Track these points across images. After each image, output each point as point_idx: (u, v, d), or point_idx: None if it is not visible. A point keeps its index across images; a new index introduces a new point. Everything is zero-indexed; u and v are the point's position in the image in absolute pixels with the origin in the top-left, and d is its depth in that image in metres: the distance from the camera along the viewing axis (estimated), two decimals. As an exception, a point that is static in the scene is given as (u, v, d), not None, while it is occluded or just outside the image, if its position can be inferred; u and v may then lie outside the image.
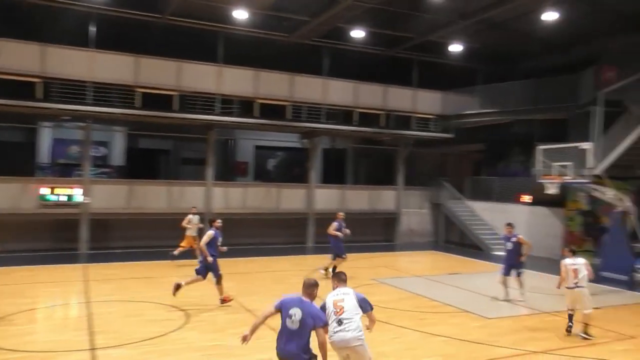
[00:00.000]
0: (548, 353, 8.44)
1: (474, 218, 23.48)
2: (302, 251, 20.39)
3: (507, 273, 12.49)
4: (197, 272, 11.09)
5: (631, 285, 14.75)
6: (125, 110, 18.26)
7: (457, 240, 24.64)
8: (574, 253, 10.06)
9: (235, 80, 20.07)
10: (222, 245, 11.59)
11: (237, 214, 20.85)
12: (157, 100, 18.67)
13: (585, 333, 9.33)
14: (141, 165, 23.38)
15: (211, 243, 11.09)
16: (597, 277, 13.98)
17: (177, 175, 24.78)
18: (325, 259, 15.06)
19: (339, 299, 6.02)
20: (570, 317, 9.61)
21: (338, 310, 5.94)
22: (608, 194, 15.71)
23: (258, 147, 26.62)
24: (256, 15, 18.60)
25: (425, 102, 23.65)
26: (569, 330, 9.52)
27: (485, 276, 15.89)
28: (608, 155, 17.68)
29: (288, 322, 5.81)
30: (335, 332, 5.88)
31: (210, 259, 10.96)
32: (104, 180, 21.52)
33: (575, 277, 9.55)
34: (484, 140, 25.45)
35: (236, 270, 15.58)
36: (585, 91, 19.68)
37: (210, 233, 11.14)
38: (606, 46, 19.15)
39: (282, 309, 5.93)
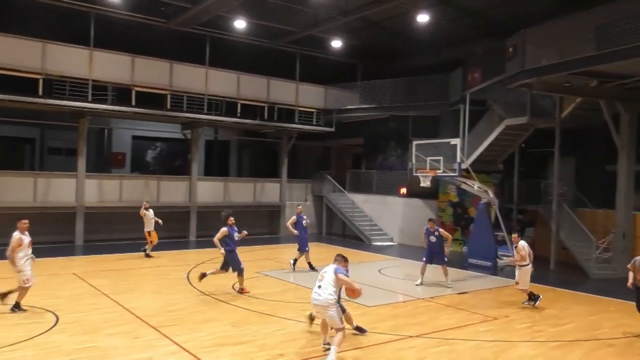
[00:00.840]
0: (422, 337, 8.94)
1: (355, 210, 24.29)
2: (184, 246, 19.75)
3: (429, 262, 13.44)
4: (221, 267, 11.86)
5: (494, 271, 16.10)
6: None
7: (340, 231, 25.36)
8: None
9: (109, 66, 18.84)
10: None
11: (112, 208, 19.71)
12: (19, 83, 17.00)
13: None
14: (1, 155, 21.22)
15: (225, 239, 11.68)
16: (464, 264, 15.16)
17: (43, 166, 22.86)
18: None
19: (324, 271, 7.93)
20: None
21: (320, 278, 7.88)
22: (475, 186, 16.96)
23: (136, 138, 25.29)
24: (133, -3, 17.64)
25: (308, 95, 23.94)
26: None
27: (365, 266, 16.47)
28: (474, 150, 19.18)
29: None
30: (313, 292, 7.82)
31: (223, 251, 11.64)
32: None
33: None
34: (363, 135, 26.39)
35: (112, 266, 14.73)
36: (454, 90, 21.13)
37: (223, 230, 11.69)
38: (472, 49, 20.67)
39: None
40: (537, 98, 17.74)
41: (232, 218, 12.01)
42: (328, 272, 7.82)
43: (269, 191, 24.40)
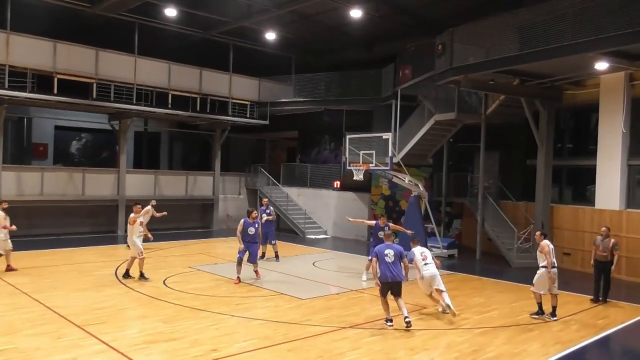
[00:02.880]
0: (355, 327, 9.11)
1: (290, 203, 24.32)
2: (111, 241, 19.02)
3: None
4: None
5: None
6: None
7: (274, 225, 25.26)
8: (545, 236, 10.64)
9: (28, 52, 17.72)
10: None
11: (33, 202, 18.70)
12: None
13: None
14: None
15: (243, 231, 12.51)
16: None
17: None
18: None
19: (424, 251, 10.27)
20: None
21: (424, 257, 10.10)
22: (406, 180, 17.39)
23: (59, 128, 24.05)
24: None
25: (242, 87, 23.65)
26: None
27: (299, 259, 16.57)
28: (405, 144, 19.67)
29: (386, 258, 9.21)
30: (428, 269, 10.05)
31: (241, 246, 12.42)
32: None
33: (553, 256, 10.26)
34: (297, 128, 26.43)
35: (33, 263, 13.98)
36: (386, 86, 21.56)
37: (241, 222, 12.62)
38: (404, 46, 21.15)
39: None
40: (464, 95, 18.43)
41: (255, 213, 12.88)
42: (427, 252, 10.14)
43: (201, 184, 23.97)
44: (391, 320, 9.21)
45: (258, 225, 12.91)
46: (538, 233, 10.80)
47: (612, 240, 11.66)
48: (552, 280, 10.16)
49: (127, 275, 12.41)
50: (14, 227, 12.87)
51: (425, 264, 10.04)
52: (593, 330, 9.58)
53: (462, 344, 8.41)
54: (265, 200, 16.51)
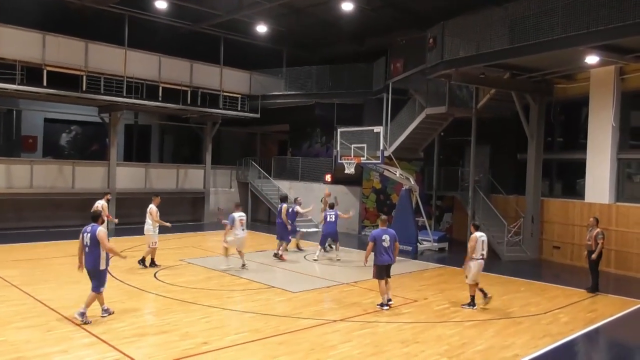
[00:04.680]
0: (346, 320, 9.14)
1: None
2: (101, 234, 18.91)
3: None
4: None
5: (415, 255, 16.68)
6: None
7: (265, 218, 25.30)
8: (477, 228, 10.78)
9: (17, 44, 17.53)
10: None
11: (23, 195, 18.56)
12: None
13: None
14: None
15: (288, 215, 14.99)
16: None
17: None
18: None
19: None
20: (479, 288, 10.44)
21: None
22: (397, 173, 17.43)
23: (48, 120, 23.83)
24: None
25: (233, 81, 23.55)
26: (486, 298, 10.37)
27: (291, 252, 16.54)
28: (396, 138, 19.70)
29: (384, 243, 9.80)
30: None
31: (289, 227, 14.91)
32: None
33: (483, 249, 10.39)
34: (289, 121, 26.37)
35: (23, 256, 13.90)
36: (377, 79, 21.56)
37: (284, 206, 15.01)
38: (395, 39, 21.15)
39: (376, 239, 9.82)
40: (455, 88, 18.47)
41: (300, 198, 16.28)
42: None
43: (192, 177, 23.88)
44: (386, 305, 9.81)
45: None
46: (472, 225, 11.10)
47: (597, 230, 11.91)
48: (478, 271, 10.36)
49: (153, 264, 13.07)
50: None
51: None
52: (582, 323, 9.67)
53: (452, 337, 8.46)
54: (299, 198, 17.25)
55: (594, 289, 11.97)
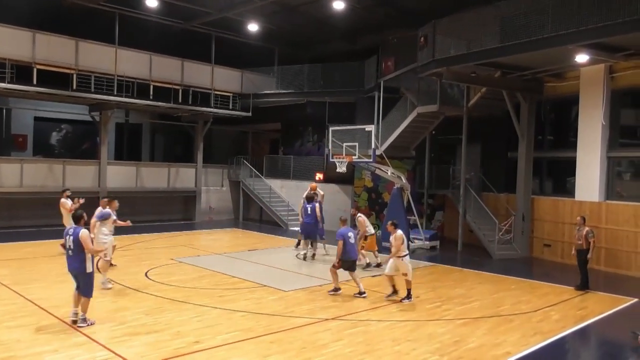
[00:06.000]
0: (337, 319, 9.15)
1: (272, 195, 24.26)
2: (92, 233, 18.81)
3: None
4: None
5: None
6: None
7: (257, 217, 25.26)
8: (397, 226, 10.89)
9: (7, 42, 17.38)
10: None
11: (13, 193, 18.41)
12: None
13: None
14: None
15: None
16: (378, 247, 15.60)
17: None
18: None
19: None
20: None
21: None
22: (388, 172, 17.45)
23: (38, 119, 23.66)
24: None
25: (224, 79, 23.48)
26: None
27: (282, 251, 16.56)
28: (388, 137, 19.72)
29: (350, 240, 10.73)
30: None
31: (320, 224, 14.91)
32: None
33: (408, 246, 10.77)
34: (280, 120, 26.33)
35: (13, 255, 13.81)
36: (369, 78, 21.56)
37: (317, 205, 14.89)
38: (386, 38, 21.16)
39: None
40: (446, 87, 18.52)
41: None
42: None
43: (183, 176, 23.79)
44: (339, 289, 10.84)
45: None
46: (389, 223, 11.06)
47: (587, 229, 11.96)
48: (403, 267, 10.53)
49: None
50: None
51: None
52: (573, 320, 9.74)
53: (443, 335, 8.49)
54: (314, 184, 17.10)
55: (584, 286, 12.05)
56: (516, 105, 16.99)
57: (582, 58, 13.75)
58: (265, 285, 11.51)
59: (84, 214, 8.83)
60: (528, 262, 16.51)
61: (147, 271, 12.43)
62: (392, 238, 10.68)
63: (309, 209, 15.02)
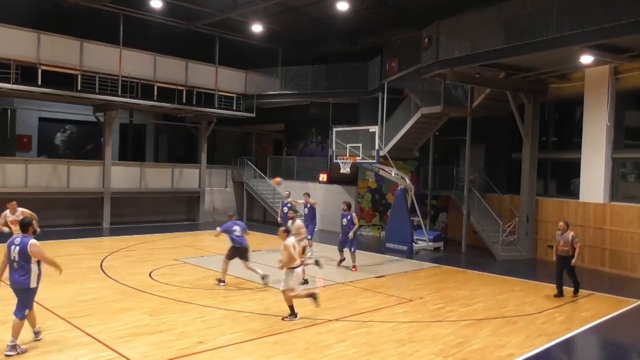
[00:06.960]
0: (341, 320, 9.14)
1: (276, 196, 24.22)
2: (97, 233, 18.89)
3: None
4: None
5: (410, 254, 16.67)
6: None
7: (260, 217, 25.28)
8: (289, 233, 9.33)
9: (12, 42, 17.43)
10: None
11: (17, 194, 18.41)
12: None
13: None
14: None
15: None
16: (382, 248, 15.64)
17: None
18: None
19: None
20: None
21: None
22: (392, 173, 17.43)
23: (43, 119, 23.75)
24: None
25: (228, 80, 23.50)
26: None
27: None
28: (392, 138, 19.70)
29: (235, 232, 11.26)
30: None
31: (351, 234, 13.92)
32: None
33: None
34: (284, 121, 26.34)
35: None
36: (373, 79, 21.55)
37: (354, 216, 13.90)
38: (390, 38, 21.13)
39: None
40: (450, 88, 18.49)
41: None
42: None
43: (187, 177, 23.83)
44: (224, 282, 11.30)
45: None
46: (281, 230, 9.25)
47: (572, 233, 11.48)
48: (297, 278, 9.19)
49: None
50: None
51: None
52: (577, 322, 9.70)
53: (447, 336, 8.47)
54: (286, 192, 16.56)
55: (576, 290, 11.81)
56: (520, 106, 16.96)
57: (586, 59, 13.70)
58: (268, 286, 11.50)
59: (33, 221, 7.83)
60: (532, 263, 16.47)
61: (151, 272, 12.45)
62: (281, 247, 9.01)
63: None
